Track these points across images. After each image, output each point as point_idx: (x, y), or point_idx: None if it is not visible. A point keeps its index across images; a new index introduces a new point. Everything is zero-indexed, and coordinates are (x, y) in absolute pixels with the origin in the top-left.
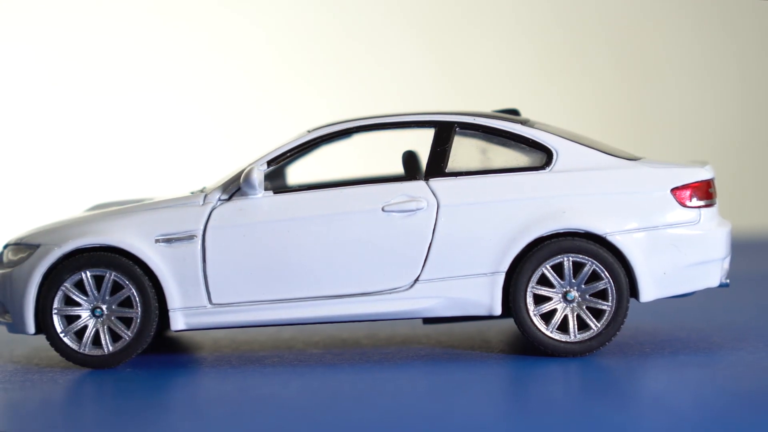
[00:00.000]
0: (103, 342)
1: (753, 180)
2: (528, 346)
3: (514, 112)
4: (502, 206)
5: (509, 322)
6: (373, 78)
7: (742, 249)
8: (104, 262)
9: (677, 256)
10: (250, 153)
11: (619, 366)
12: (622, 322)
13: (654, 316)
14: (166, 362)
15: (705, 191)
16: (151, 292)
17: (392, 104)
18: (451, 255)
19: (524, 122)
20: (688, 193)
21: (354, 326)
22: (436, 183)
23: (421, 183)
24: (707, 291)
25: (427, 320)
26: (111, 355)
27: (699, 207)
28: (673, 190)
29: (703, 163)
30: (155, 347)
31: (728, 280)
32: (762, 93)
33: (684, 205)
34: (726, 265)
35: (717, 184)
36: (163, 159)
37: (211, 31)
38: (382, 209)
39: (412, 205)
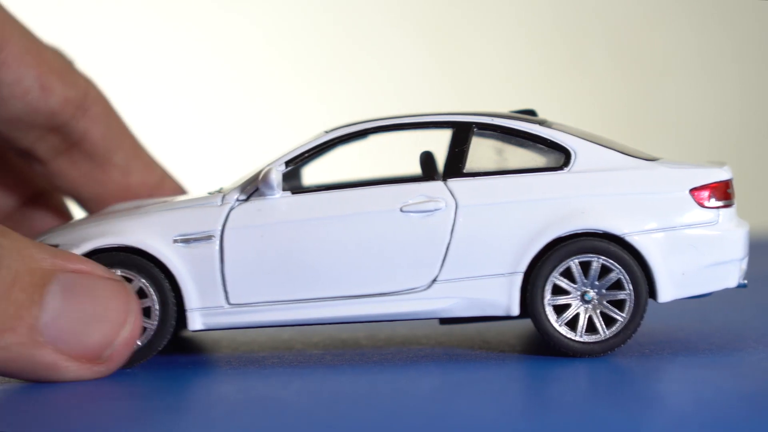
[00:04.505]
0: None
1: (753, 180)
2: (528, 347)
3: (531, 112)
4: (521, 206)
5: (508, 324)
6: (379, 80)
7: None
8: (122, 262)
9: (696, 256)
10: (260, 154)
11: (619, 367)
12: (640, 322)
13: (655, 318)
14: (167, 363)
15: (723, 192)
16: (170, 293)
17: (395, 106)
18: (469, 255)
19: (542, 123)
20: (706, 193)
21: (354, 327)
22: (455, 183)
23: (440, 183)
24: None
25: (444, 321)
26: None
27: (718, 207)
28: (692, 191)
29: (721, 164)
30: None
31: (746, 281)
32: (762, 93)
33: (703, 206)
34: (744, 265)
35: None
36: (165, 159)
37: (217, 34)
38: (401, 209)
39: (430, 206)
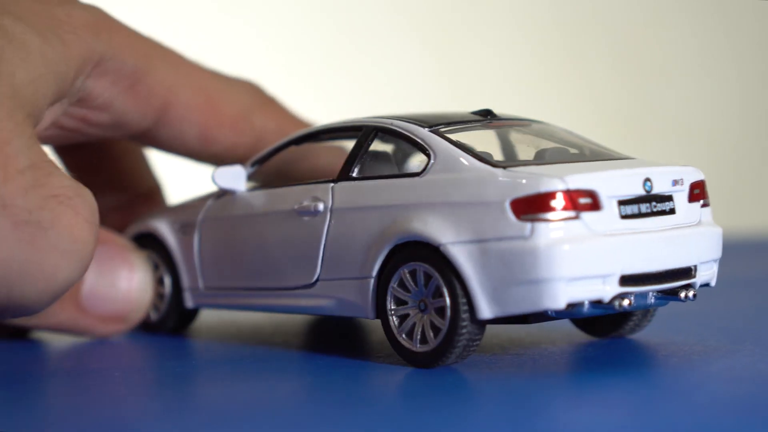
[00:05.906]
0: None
1: (753, 180)
2: (528, 350)
3: (488, 112)
4: (373, 212)
5: (503, 328)
6: (379, 80)
7: (740, 250)
8: (149, 246)
9: (505, 272)
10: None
11: (612, 370)
12: (465, 332)
13: (653, 320)
14: (151, 365)
15: (545, 204)
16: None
17: (395, 106)
18: (337, 257)
19: (432, 125)
20: (524, 205)
21: (347, 329)
22: (340, 186)
23: (329, 185)
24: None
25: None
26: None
27: (534, 221)
28: (512, 202)
29: (569, 172)
30: (140, 347)
31: (621, 305)
32: (762, 93)
33: (518, 218)
34: (602, 285)
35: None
36: (162, 157)
37: (213, 31)
38: (294, 210)
39: (312, 207)
